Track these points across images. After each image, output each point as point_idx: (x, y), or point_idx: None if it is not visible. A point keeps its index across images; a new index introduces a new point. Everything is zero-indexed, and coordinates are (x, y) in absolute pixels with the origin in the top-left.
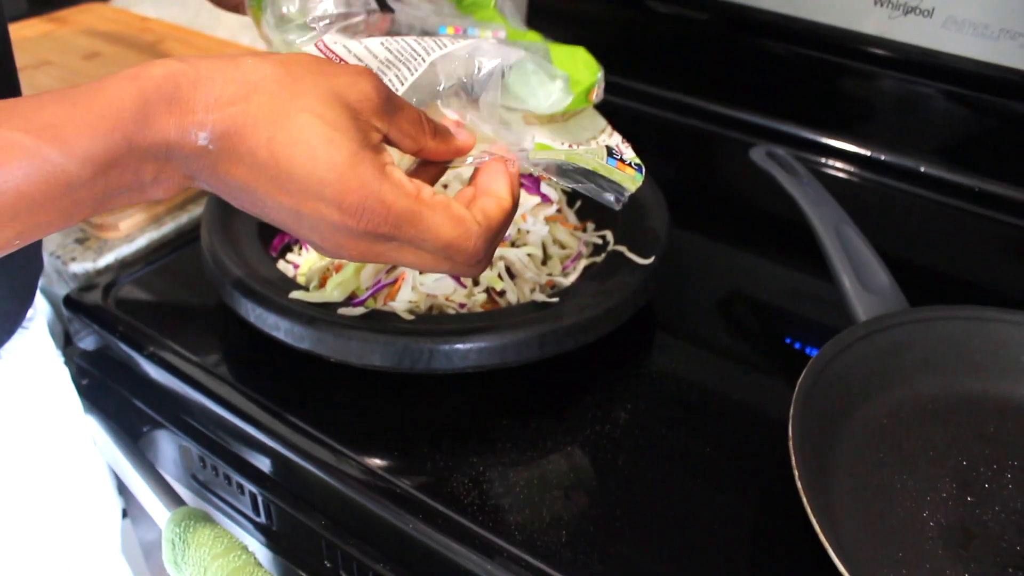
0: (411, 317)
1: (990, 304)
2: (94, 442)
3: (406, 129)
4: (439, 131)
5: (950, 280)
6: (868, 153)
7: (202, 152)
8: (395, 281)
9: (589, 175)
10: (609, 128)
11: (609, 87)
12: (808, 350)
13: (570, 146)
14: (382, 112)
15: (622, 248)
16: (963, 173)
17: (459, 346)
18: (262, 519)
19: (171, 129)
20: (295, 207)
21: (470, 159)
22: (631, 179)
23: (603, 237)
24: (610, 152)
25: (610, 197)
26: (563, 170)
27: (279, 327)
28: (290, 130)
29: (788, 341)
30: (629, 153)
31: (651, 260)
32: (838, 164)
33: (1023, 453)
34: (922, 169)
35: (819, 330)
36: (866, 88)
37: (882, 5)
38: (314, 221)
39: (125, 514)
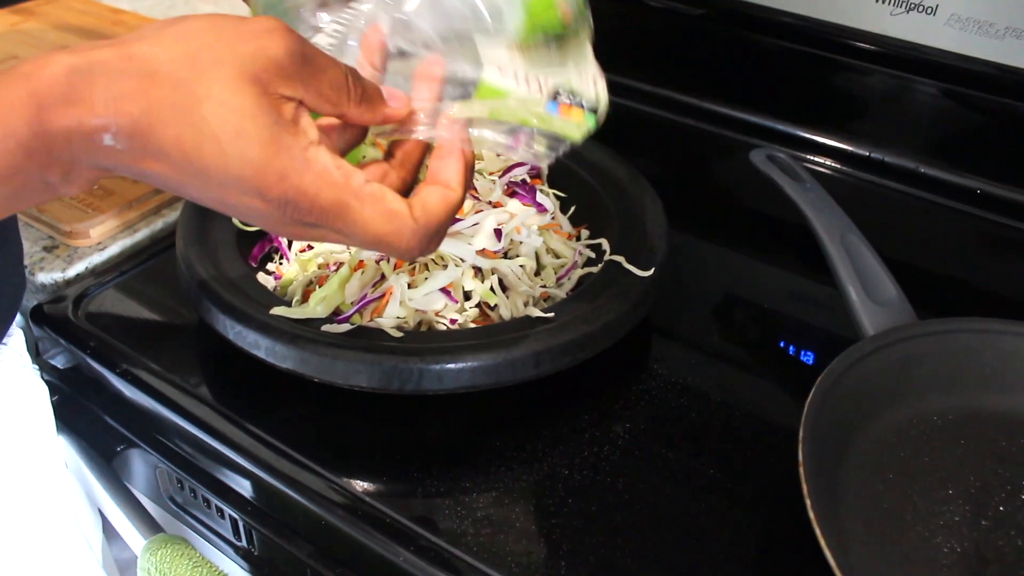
0: (399, 334)
1: (995, 310)
2: (65, 464)
3: (326, 93)
4: (367, 96)
5: (954, 285)
6: (867, 153)
7: (112, 151)
8: (382, 296)
9: (517, 130)
10: (590, 66)
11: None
12: (809, 357)
13: (526, 78)
14: (294, 77)
15: (620, 258)
16: (964, 174)
17: (451, 366)
18: (243, 543)
19: (72, 132)
20: (220, 199)
21: (417, 131)
22: (576, 126)
23: (599, 246)
24: (556, 96)
25: (540, 149)
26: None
27: (260, 345)
28: (196, 126)
29: (791, 351)
30: (593, 90)
31: (651, 272)
32: (837, 164)
33: None
34: (921, 170)
35: (822, 338)
36: (865, 87)
37: (883, 2)
38: (243, 211)
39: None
